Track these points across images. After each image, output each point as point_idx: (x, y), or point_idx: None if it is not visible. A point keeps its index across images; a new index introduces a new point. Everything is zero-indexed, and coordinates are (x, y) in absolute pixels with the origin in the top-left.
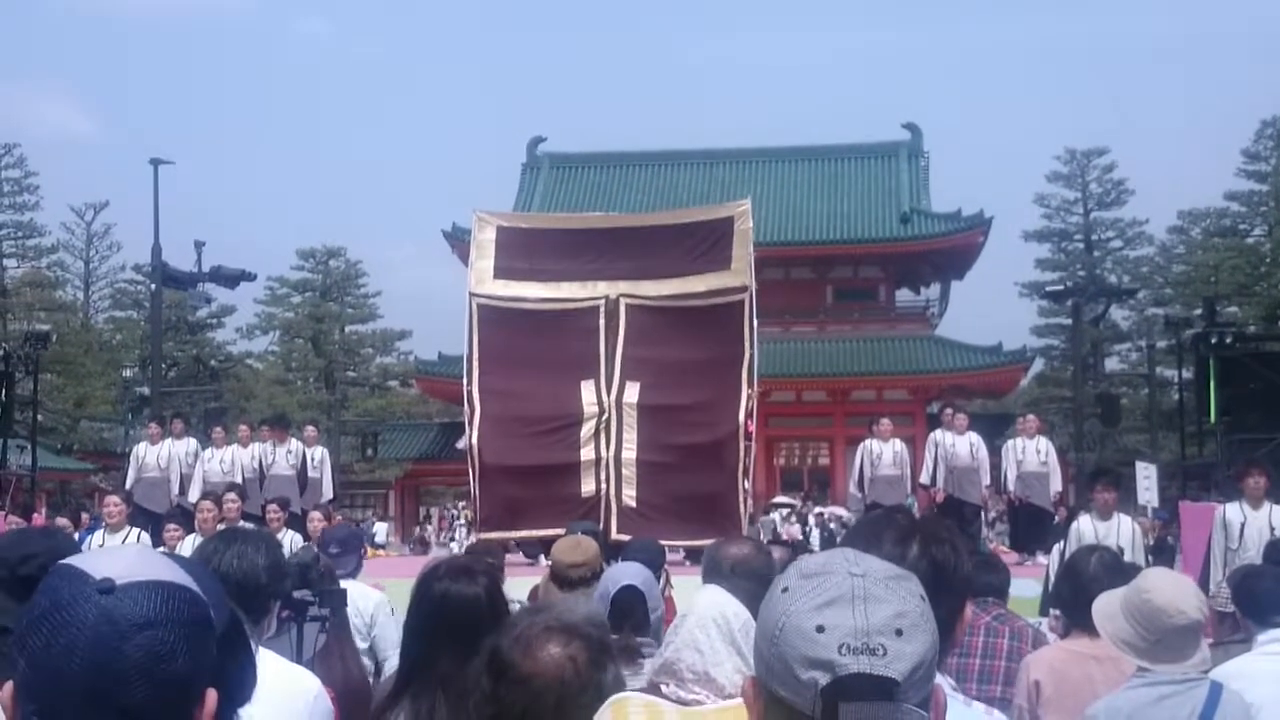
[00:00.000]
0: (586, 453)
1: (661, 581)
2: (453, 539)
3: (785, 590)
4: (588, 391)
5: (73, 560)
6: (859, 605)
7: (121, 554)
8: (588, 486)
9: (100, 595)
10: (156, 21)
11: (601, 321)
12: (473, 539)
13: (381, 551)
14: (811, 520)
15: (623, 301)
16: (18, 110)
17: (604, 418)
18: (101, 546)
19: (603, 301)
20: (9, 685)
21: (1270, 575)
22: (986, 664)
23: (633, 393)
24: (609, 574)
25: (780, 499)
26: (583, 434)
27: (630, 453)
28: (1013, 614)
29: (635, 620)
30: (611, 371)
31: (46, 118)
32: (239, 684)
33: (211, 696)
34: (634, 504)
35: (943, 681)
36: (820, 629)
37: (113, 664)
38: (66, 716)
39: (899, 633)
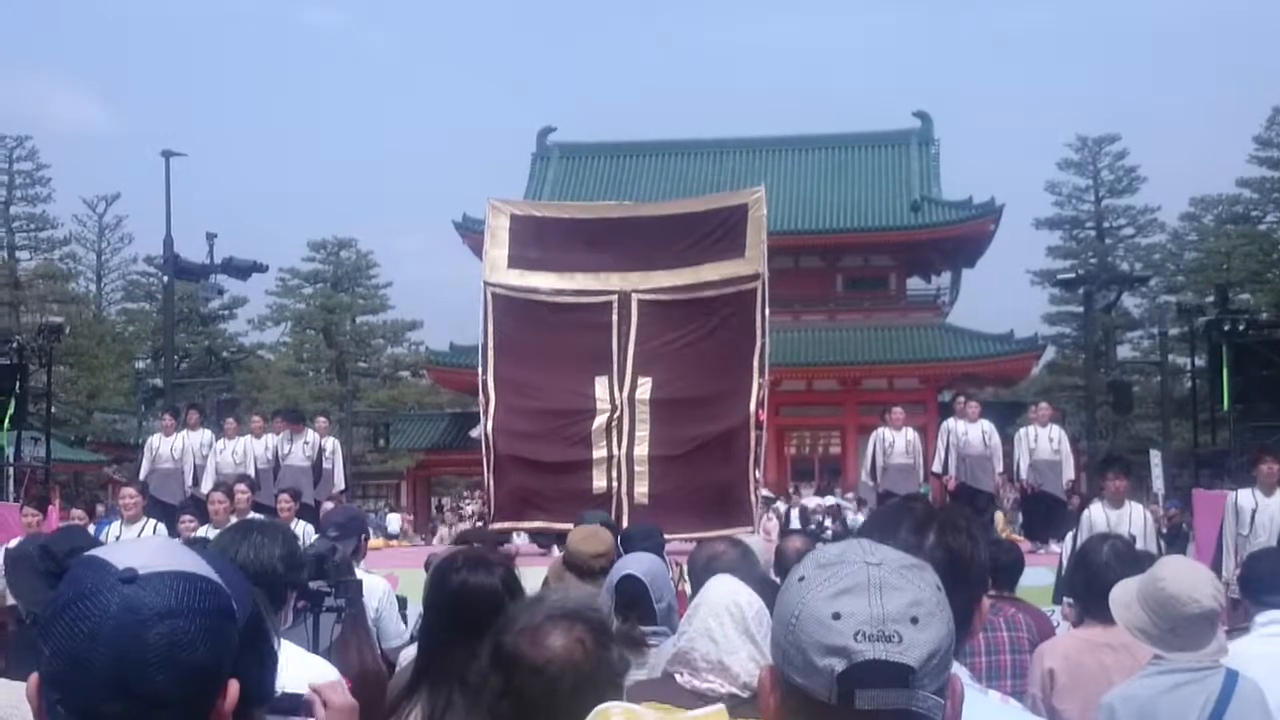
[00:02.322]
0: (598, 450)
1: (675, 575)
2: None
3: (802, 579)
4: (600, 387)
5: (96, 551)
6: (875, 593)
7: (144, 545)
8: (599, 483)
9: (123, 585)
10: (168, 13)
11: (614, 317)
12: (461, 527)
13: (394, 542)
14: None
15: (635, 297)
16: (31, 103)
17: (616, 415)
18: (119, 538)
19: (615, 296)
20: (34, 677)
21: (1272, 557)
22: (993, 660)
23: (645, 388)
24: (617, 565)
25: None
26: (594, 431)
27: (643, 449)
28: (1004, 601)
29: (640, 610)
30: (624, 367)
31: (59, 110)
32: (259, 678)
33: (233, 687)
34: (646, 501)
35: (960, 671)
36: (836, 616)
37: (134, 652)
38: (89, 704)
39: (914, 620)
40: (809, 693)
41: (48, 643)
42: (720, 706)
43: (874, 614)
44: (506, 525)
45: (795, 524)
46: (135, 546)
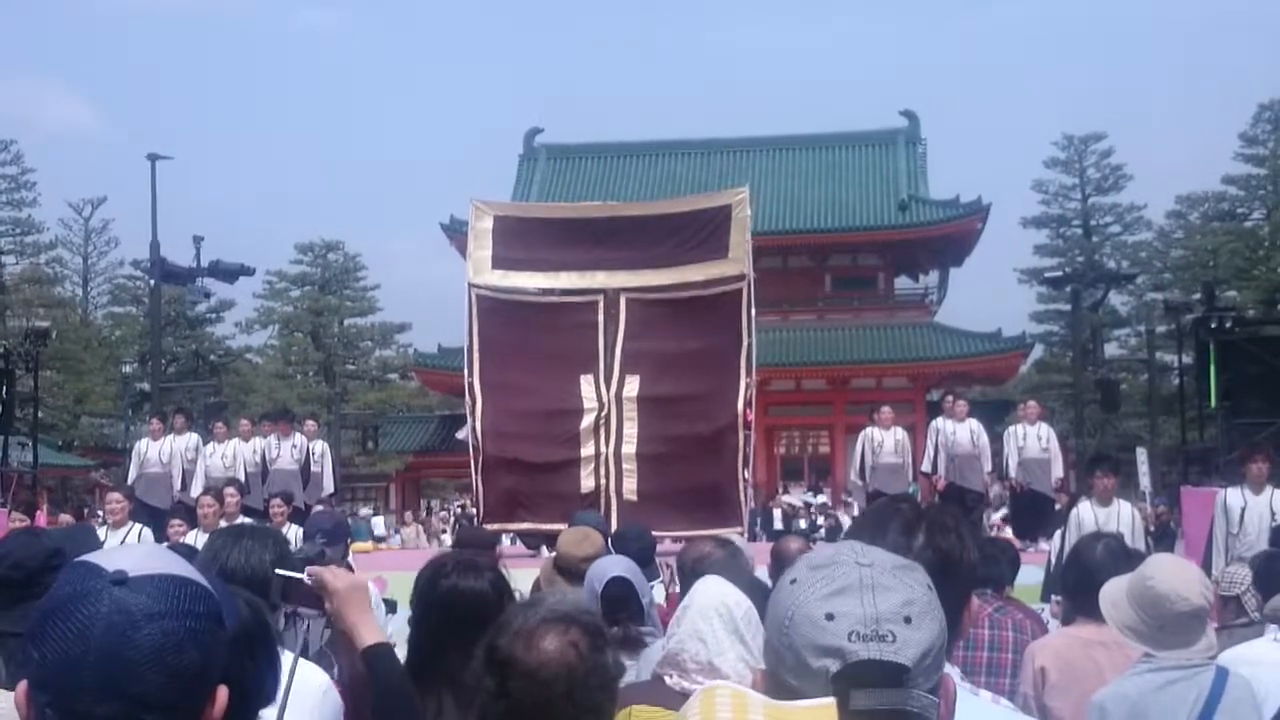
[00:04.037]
0: (586, 450)
1: (666, 576)
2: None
3: (794, 581)
4: (587, 386)
5: (87, 555)
6: (867, 594)
7: (135, 549)
8: (587, 483)
9: (114, 586)
10: (156, 14)
11: (600, 316)
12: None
13: (383, 545)
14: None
15: (622, 296)
16: (17, 105)
17: (603, 414)
18: (104, 543)
19: (601, 296)
20: (22, 685)
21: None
22: (994, 656)
23: (632, 387)
24: (591, 571)
25: None
26: (582, 430)
27: (630, 447)
28: (1013, 604)
29: (631, 610)
30: (611, 366)
31: (47, 113)
32: (259, 686)
33: (222, 693)
34: (635, 499)
35: (951, 671)
36: (830, 617)
37: (125, 653)
38: (79, 706)
39: (907, 620)
40: (804, 695)
41: (38, 646)
42: (831, 701)
43: (867, 614)
44: (496, 527)
45: (779, 522)
46: (126, 550)
